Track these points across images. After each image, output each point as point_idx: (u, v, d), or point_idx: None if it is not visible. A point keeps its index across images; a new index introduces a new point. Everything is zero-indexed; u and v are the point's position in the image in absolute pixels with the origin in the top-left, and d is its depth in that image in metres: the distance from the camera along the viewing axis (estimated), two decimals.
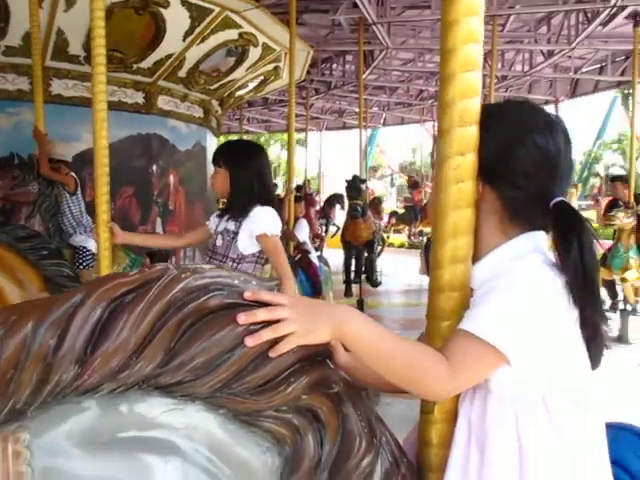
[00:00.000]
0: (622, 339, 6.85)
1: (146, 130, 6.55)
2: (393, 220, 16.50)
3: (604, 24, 9.15)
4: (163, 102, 6.80)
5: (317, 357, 0.92)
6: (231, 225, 2.84)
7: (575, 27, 9.60)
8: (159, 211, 6.83)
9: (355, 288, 9.27)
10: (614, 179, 7.58)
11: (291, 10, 6.03)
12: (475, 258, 1.13)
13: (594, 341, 1.08)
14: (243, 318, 0.86)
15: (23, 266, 3.45)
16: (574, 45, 9.82)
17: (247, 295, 0.89)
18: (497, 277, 1.04)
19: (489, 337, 0.99)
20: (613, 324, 6.88)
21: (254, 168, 2.92)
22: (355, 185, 9.28)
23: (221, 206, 3.35)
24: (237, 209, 2.83)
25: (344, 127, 19.13)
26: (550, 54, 10.92)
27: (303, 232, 7.01)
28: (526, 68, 11.99)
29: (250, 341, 0.86)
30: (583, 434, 1.06)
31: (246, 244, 2.82)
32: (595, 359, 1.10)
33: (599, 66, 12.59)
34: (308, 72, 10.43)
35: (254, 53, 7.04)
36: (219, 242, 2.87)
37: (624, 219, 6.63)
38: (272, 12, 6.92)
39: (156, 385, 0.82)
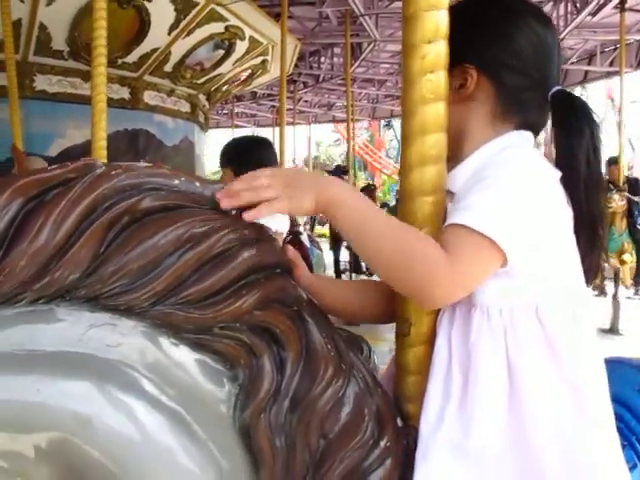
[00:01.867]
0: (613, 330, 6.87)
1: (132, 126, 6.47)
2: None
3: (593, 14, 9.14)
4: (149, 97, 6.72)
5: (275, 269, 0.82)
6: None
7: (564, 17, 9.57)
8: None
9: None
10: (610, 162, 7.66)
11: (283, 3, 5.93)
12: (461, 158, 1.03)
13: (591, 244, 1.00)
14: (225, 202, 0.78)
15: None
16: (564, 35, 9.78)
17: (220, 196, 0.80)
18: (486, 167, 0.94)
19: (485, 229, 0.87)
20: (603, 314, 6.91)
21: (258, 165, 2.88)
22: (337, 175, 9.26)
23: None
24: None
25: (333, 120, 19.07)
26: None
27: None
28: None
29: (226, 202, 0.79)
30: (579, 357, 0.94)
31: None
32: (590, 270, 1.02)
33: (588, 57, 12.60)
34: (296, 65, 10.36)
35: (241, 46, 6.98)
36: None
37: (619, 202, 6.71)
38: (259, 5, 6.85)
39: (85, 296, 0.72)
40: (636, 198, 7.11)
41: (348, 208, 0.88)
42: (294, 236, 6.66)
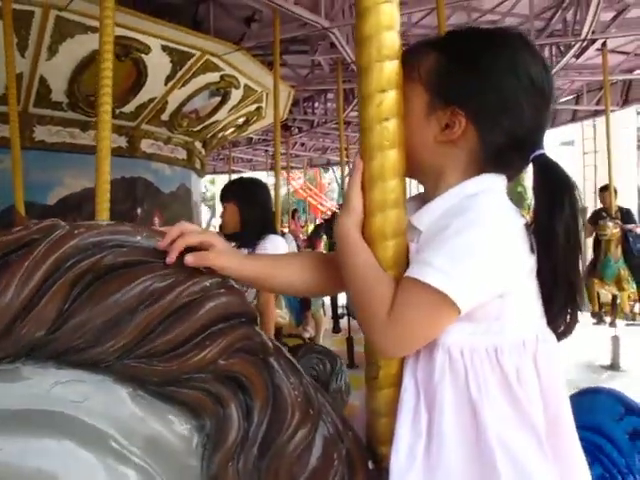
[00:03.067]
0: (614, 366, 6.83)
1: (130, 174, 6.56)
2: None
3: (577, 56, 9.40)
4: (146, 145, 6.83)
5: (239, 318, 0.83)
6: (244, 251, 2.97)
7: (549, 59, 9.84)
8: None
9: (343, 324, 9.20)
10: (602, 189, 7.80)
11: (275, 54, 6.12)
12: (434, 196, 1.03)
13: (568, 300, 0.99)
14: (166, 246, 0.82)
15: None
16: None
17: (161, 245, 0.83)
18: (451, 215, 0.93)
19: (441, 286, 0.87)
20: (604, 351, 6.88)
21: (261, 202, 3.19)
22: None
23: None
24: (249, 239, 3.05)
25: (328, 164, 19.30)
26: None
27: (291, 245, 7.17)
28: None
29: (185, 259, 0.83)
30: (538, 401, 0.95)
31: None
32: (568, 325, 1.01)
33: (576, 96, 12.89)
34: (290, 111, 10.56)
35: (236, 95, 7.13)
36: None
37: (613, 229, 6.81)
38: (253, 54, 7.04)
39: (50, 353, 0.73)
40: (629, 226, 7.20)
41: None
42: None
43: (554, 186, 0.98)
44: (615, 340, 6.90)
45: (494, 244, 0.90)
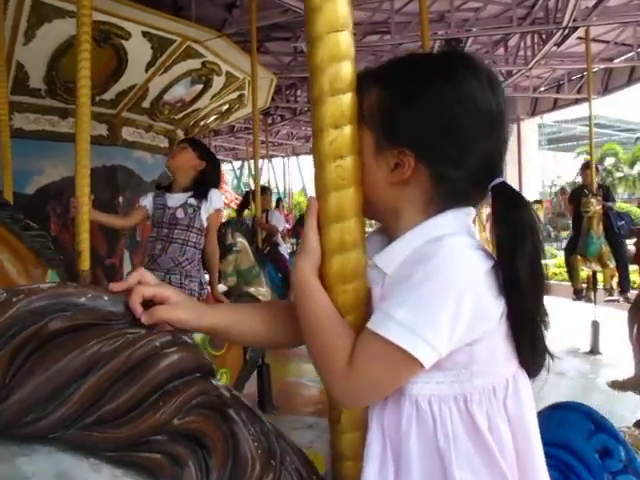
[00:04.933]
0: (594, 351, 6.94)
1: (111, 162, 6.47)
2: None
3: (558, 44, 9.46)
4: (127, 133, 6.74)
5: (194, 374, 0.80)
6: (192, 200, 3.54)
7: (531, 48, 9.89)
8: (126, 243, 6.73)
9: None
10: (584, 167, 7.88)
11: (252, 40, 6.08)
12: (396, 235, 0.98)
13: (533, 338, 0.95)
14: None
15: (12, 238, 2.95)
16: (531, 65, 10.10)
17: (115, 288, 0.84)
18: (415, 261, 0.89)
19: (401, 341, 0.84)
20: (583, 336, 6.98)
21: (218, 165, 3.88)
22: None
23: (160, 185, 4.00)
24: (202, 193, 3.56)
25: (311, 152, 19.25)
26: (509, 74, 11.21)
27: (278, 222, 7.22)
28: None
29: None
30: (509, 448, 0.92)
31: (204, 218, 3.55)
32: (536, 364, 0.98)
33: (557, 84, 12.98)
34: (273, 99, 10.49)
35: (218, 82, 7.06)
36: (181, 214, 3.52)
37: (596, 206, 6.88)
38: (234, 41, 6.97)
39: None
40: (609, 203, 7.28)
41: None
42: (272, 247, 6.76)
43: (515, 214, 0.94)
44: (595, 325, 7.01)
45: (459, 294, 0.85)
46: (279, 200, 13.38)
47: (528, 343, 0.96)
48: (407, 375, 0.90)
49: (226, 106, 8.26)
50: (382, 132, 0.97)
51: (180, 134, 8.01)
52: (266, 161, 13.91)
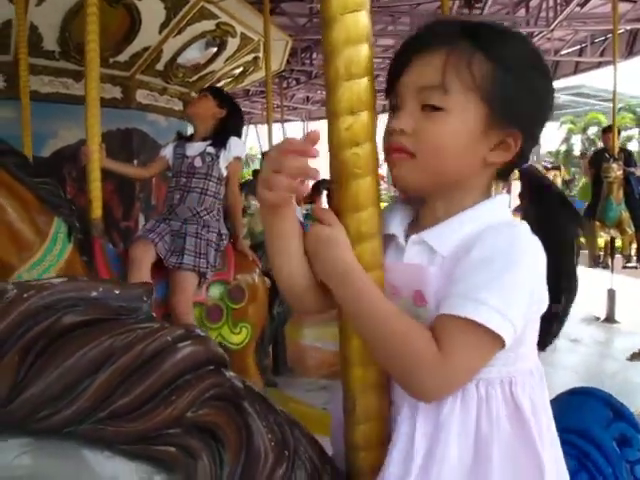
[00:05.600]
0: (610, 319, 6.91)
1: (125, 125, 6.44)
2: None
3: (582, 5, 9.17)
4: (141, 96, 6.69)
5: (206, 366, 0.81)
6: (211, 149, 3.44)
7: (554, 8, 9.60)
8: (141, 207, 6.75)
9: None
10: (605, 130, 7.71)
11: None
12: (438, 213, 0.98)
13: (557, 318, 1.00)
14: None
15: (17, 184, 2.85)
16: (553, 27, 9.83)
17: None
18: (487, 247, 0.88)
19: (496, 326, 0.85)
20: (599, 304, 6.94)
21: (240, 113, 3.77)
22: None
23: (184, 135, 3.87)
24: (221, 141, 3.46)
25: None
26: (530, 36, 10.93)
27: None
28: None
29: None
30: (542, 428, 0.93)
31: (223, 166, 3.46)
32: (552, 334, 1.02)
33: (579, 47, 12.64)
34: (288, 62, 10.35)
35: (232, 44, 6.96)
36: (199, 163, 3.43)
37: (617, 171, 6.73)
38: (249, 2, 6.84)
39: (7, 424, 0.70)
40: (631, 169, 7.11)
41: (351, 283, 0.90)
42: None
43: (544, 198, 0.99)
44: (611, 293, 6.96)
45: (535, 282, 0.90)
46: None
47: (554, 318, 1.00)
48: (491, 357, 0.90)
49: (241, 69, 8.15)
50: (498, 110, 0.93)
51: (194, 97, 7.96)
52: (279, 125, 13.77)
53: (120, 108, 6.34)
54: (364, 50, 0.91)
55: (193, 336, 0.81)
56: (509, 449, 0.90)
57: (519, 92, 0.93)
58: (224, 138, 3.47)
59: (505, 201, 0.98)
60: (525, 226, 0.93)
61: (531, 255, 0.89)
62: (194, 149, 3.48)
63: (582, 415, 1.14)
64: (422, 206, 1.02)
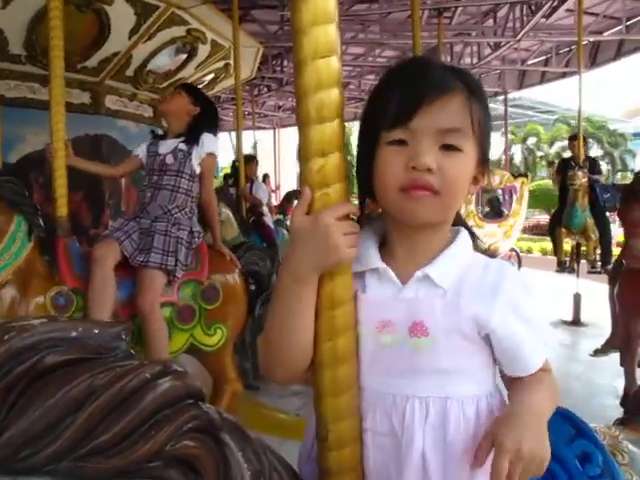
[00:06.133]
0: (576, 322, 7.06)
1: (94, 131, 6.38)
2: None
3: (547, 16, 9.40)
4: (111, 102, 6.64)
5: (185, 400, 0.82)
6: (183, 146, 3.37)
7: (520, 19, 9.81)
8: (111, 213, 6.67)
9: None
10: (571, 138, 7.88)
11: (234, 7, 5.99)
12: (432, 249, 1.04)
13: None
14: None
15: None
16: (519, 37, 10.04)
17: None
18: (491, 279, 1.00)
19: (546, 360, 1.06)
20: (566, 308, 7.09)
21: (214, 110, 3.72)
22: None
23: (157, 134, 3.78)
24: (195, 138, 3.39)
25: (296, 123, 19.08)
26: (497, 46, 11.14)
27: (263, 194, 7.16)
28: (475, 60, 12.19)
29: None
30: None
31: (196, 163, 3.38)
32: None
33: (544, 58, 12.93)
34: (259, 69, 10.36)
35: (203, 50, 6.95)
36: (170, 160, 3.36)
37: (582, 179, 6.88)
38: (220, 9, 6.84)
39: None
40: (595, 176, 7.27)
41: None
42: (256, 217, 6.75)
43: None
44: (577, 297, 7.12)
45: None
46: (266, 176, 13.27)
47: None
48: None
49: (211, 75, 8.14)
50: (483, 147, 1.03)
51: None
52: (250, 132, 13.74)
53: (89, 114, 6.28)
54: (334, 94, 0.94)
55: (171, 372, 0.83)
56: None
57: (490, 133, 1.05)
58: (197, 135, 3.41)
59: (466, 233, 1.09)
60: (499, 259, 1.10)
61: (527, 283, 1.05)
62: (166, 146, 3.43)
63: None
64: (406, 235, 1.05)
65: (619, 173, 28.73)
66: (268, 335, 1.02)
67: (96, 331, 0.80)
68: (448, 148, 0.97)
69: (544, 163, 25.95)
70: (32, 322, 0.77)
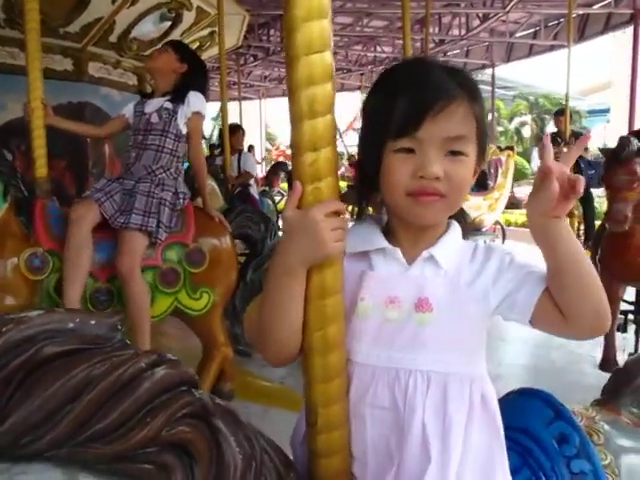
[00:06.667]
0: None
1: (77, 99, 6.25)
2: None
3: None
4: (94, 69, 6.50)
5: (178, 388, 0.86)
6: (168, 104, 3.30)
7: None
8: (95, 182, 6.59)
9: None
10: (557, 113, 7.89)
11: None
12: (436, 236, 1.11)
13: None
14: None
15: None
16: (508, 9, 9.98)
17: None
18: (489, 256, 1.09)
19: None
20: None
21: (203, 68, 3.62)
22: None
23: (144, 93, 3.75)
24: (181, 96, 3.31)
25: (284, 94, 18.92)
26: (485, 17, 11.06)
27: (250, 163, 7.14)
28: (463, 32, 12.11)
29: None
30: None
31: (182, 123, 3.30)
32: None
33: (533, 30, 12.87)
34: (245, 38, 10.19)
35: (188, 17, 6.81)
36: (155, 119, 3.29)
37: None
38: None
39: None
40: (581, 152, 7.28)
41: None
42: (243, 189, 6.73)
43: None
44: None
45: None
46: (251, 147, 13.18)
47: None
48: None
49: (197, 44, 7.98)
50: (482, 143, 1.08)
51: None
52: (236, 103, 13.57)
53: (72, 81, 6.14)
54: (327, 89, 0.96)
55: (166, 360, 0.87)
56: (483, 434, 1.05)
57: (486, 132, 1.10)
58: (183, 93, 3.31)
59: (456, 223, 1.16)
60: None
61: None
62: (152, 105, 3.34)
63: (526, 414, 1.26)
64: (412, 229, 1.11)
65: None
66: (261, 320, 1.06)
67: (92, 322, 0.83)
68: (454, 154, 1.02)
69: (503, 139, 26.57)
70: (29, 314, 0.79)
